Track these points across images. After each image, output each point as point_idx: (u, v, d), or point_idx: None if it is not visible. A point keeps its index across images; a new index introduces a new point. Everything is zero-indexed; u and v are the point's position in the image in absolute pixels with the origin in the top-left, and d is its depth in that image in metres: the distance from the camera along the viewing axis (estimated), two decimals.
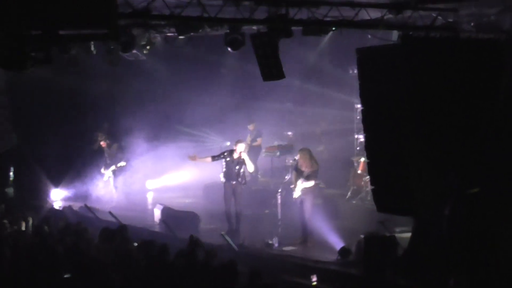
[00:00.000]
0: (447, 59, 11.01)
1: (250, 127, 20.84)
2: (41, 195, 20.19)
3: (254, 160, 20.42)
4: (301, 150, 14.85)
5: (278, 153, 20.27)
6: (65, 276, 9.49)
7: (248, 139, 20.54)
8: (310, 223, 14.46)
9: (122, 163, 19.96)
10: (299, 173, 14.47)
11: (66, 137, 20.81)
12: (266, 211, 17.21)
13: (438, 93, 11.02)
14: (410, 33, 11.70)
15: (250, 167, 15.55)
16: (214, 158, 15.83)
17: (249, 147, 20.33)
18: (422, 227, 11.84)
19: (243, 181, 15.55)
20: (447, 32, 11.91)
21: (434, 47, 11.19)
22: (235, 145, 15.64)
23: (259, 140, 20.69)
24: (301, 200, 14.40)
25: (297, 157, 14.66)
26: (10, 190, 21.83)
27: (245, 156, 15.40)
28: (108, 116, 21.52)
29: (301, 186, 14.31)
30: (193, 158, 16.05)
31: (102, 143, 20.33)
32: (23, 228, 14.19)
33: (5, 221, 14.09)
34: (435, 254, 11.21)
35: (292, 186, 14.66)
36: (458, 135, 10.89)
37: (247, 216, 16.40)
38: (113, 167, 19.99)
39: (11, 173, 22.04)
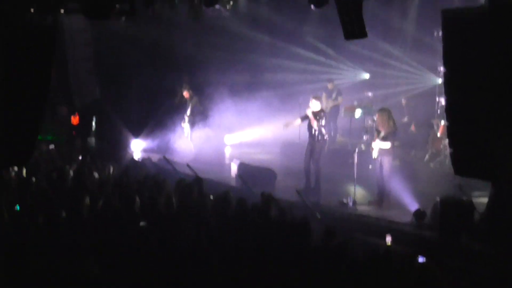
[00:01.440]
0: None
1: (329, 85, 20.75)
2: (122, 146, 20.59)
3: (333, 119, 20.41)
4: (380, 110, 14.71)
5: (357, 113, 20.11)
6: (141, 224, 9.68)
7: (324, 97, 20.41)
8: (388, 184, 14.38)
9: (193, 109, 20.18)
10: (376, 134, 14.38)
11: (147, 89, 21.14)
12: (339, 170, 17.14)
13: None
14: None
15: (314, 123, 15.31)
16: (302, 119, 15.69)
17: (329, 108, 20.25)
18: (500, 192, 11.63)
19: (321, 138, 15.36)
20: None
21: None
22: (310, 101, 15.49)
23: (339, 99, 20.57)
24: (379, 161, 14.31)
25: (375, 117, 14.54)
26: (92, 140, 22.38)
27: (309, 113, 15.28)
28: (190, 69, 21.69)
29: (377, 146, 14.20)
30: (286, 125, 16.03)
31: (185, 93, 20.49)
32: (104, 177, 14.54)
33: (86, 170, 14.47)
34: None
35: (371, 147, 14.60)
36: None
37: (323, 174, 16.44)
38: (191, 118, 20.20)
39: (93, 123, 22.58)
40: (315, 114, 15.23)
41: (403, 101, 21.39)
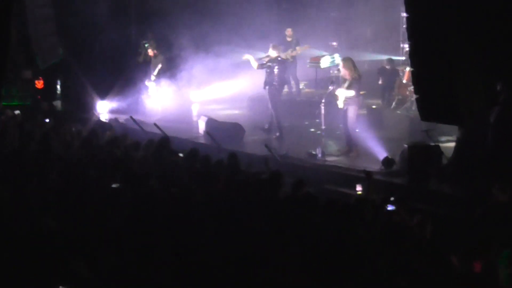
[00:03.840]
0: None
1: (288, 32, 20.33)
2: (88, 108, 20.39)
3: (293, 70, 20.24)
4: (344, 59, 14.72)
5: (322, 64, 20.03)
6: (113, 186, 9.66)
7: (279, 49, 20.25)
8: (354, 133, 14.43)
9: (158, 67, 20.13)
10: (341, 82, 14.38)
11: (112, 48, 20.85)
12: (306, 122, 17.37)
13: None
14: None
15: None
16: (259, 66, 16.31)
17: (288, 57, 20.06)
18: (467, 136, 11.74)
19: (276, 84, 16.23)
20: None
21: None
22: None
23: (298, 49, 20.19)
24: (344, 110, 14.33)
25: (340, 66, 14.54)
26: (58, 103, 22.15)
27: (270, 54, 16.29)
28: (155, 27, 21.36)
29: (342, 95, 14.20)
30: (247, 57, 16.56)
31: (149, 51, 20.33)
32: (71, 140, 14.46)
33: (53, 134, 14.35)
34: (479, 163, 11.15)
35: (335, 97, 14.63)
36: (507, 41, 10.64)
37: (290, 127, 16.56)
38: (157, 77, 20.13)
39: (58, 86, 22.33)
40: (271, 60, 16.14)
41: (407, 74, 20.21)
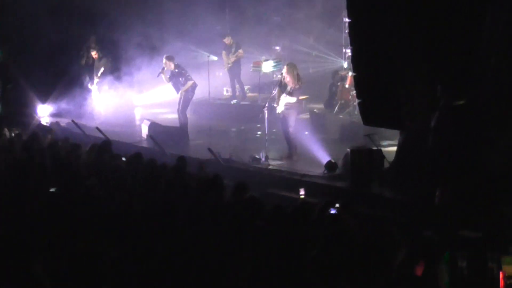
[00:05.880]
0: None
1: (226, 40, 20.40)
2: (28, 111, 20.05)
3: (237, 76, 20.31)
4: (288, 64, 14.75)
5: (264, 68, 20.04)
6: (51, 190, 9.49)
7: (224, 54, 20.28)
8: (295, 138, 14.49)
9: (101, 70, 19.92)
10: (283, 88, 14.41)
11: (53, 52, 20.55)
12: (250, 126, 17.38)
13: (430, 5, 10.84)
14: None
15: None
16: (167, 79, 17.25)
17: (231, 62, 20.08)
18: (408, 140, 11.85)
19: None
20: None
21: None
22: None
23: (240, 52, 20.28)
24: (283, 115, 14.38)
25: (283, 71, 14.57)
26: None
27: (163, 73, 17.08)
28: (97, 28, 21.11)
29: (284, 101, 14.27)
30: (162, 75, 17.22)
31: (93, 53, 20.06)
32: (10, 143, 14.20)
33: None
34: (421, 166, 11.26)
35: (275, 102, 14.68)
36: (447, 47, 10.77)
37: (234, 131, 16.48)
38: (100, 80, 19.90)
39: None
40: (172, 74, 16.95)
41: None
